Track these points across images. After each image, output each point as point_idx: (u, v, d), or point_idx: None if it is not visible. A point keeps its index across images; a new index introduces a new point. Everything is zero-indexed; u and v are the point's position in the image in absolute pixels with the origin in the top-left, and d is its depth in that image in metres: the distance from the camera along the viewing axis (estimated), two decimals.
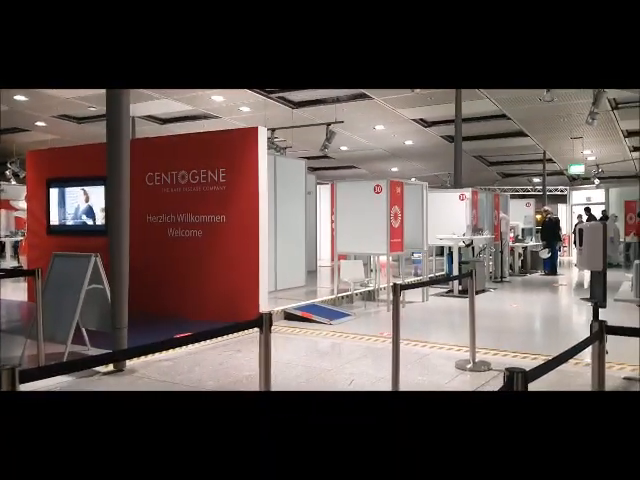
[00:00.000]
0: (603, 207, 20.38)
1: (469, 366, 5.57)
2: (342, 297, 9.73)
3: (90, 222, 9.19)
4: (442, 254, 14.27)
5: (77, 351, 5.99)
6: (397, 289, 4.58)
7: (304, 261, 11.25)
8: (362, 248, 9.77)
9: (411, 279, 11.93)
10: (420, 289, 10.31)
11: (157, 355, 5.91)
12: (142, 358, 5.70)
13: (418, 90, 11.57)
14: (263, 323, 3.08)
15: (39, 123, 18.48)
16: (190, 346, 6.21)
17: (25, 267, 13.12)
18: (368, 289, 10.47)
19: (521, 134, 18.87)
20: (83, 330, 6.12)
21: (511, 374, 1.94)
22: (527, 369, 2.03)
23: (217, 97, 15.73)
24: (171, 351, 5.84)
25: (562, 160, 22.69)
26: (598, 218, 17.48)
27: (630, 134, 18.51)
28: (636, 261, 4.95)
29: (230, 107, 16.69)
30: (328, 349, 6.74)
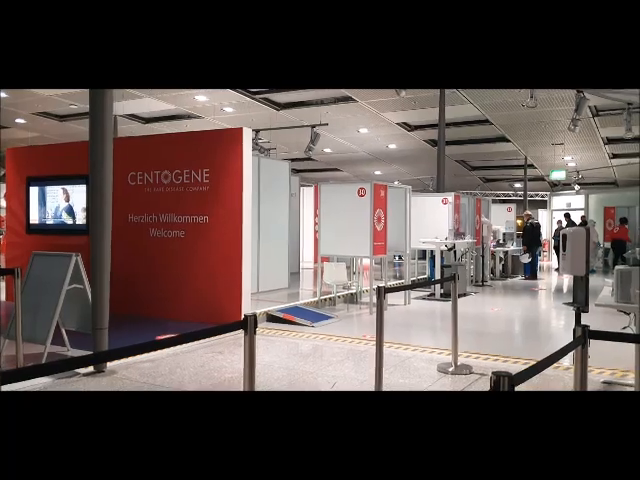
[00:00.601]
0: (583, 213, 20.64)
1: (451, 369, 5.58)
2: (325, 299, 9.73)
3: (70, 221, 9.08)
4: (424, 257, 14.35)
5: (56, 352, 5.91)
6: (381, 292, 4.58)
7: (287, 263, 11.24)
8: (345, 251, 9.77)
9: (393, 282, 11.97)
10: (402, 292, 10.34)
11: (138, 356, 5.85)
12: (123, 359, 5.64)
13: (404, 93, 11.59)
14: (248, 325, 3.06)
15: (19, 120, 18.26)
16: (172, 347, 6.15)
17: (3, 266, 12.92)
18: (351, 292, 10.48)
19: (503, 139, 19.05)
20: (63, 330, 6.05)
21: (498, 378, 1.94)
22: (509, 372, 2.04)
23: (201, 97, 15.67)
24: (152, 352, 5.79)
25: (543, 166, 22.95)
26: (577, 224, 17.69)
27: (610, 141, 18.77)
28: (616, 267, 5.01)
29: (214, 107, 16.63)
30: (310, 351, 6.72)
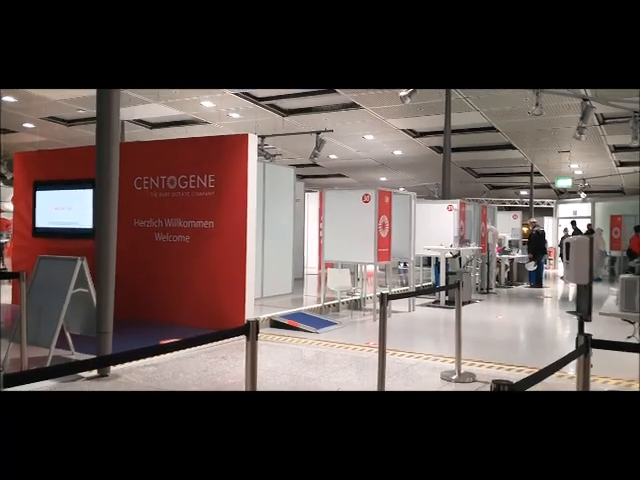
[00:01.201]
0: (589, 221, 20.57)
1: (454, 377, 5.57)
2: (328, 306, 9.72)
3: (76, 225, 9.12)
4: (429, 264, 14.33)
5: (61, 355, 5.93)
6: (385, 299, 4.58)
7: (291, 268, 11.25)
8: (349, 257, 9.77)
9: (397, 289, 11.95)
10: (406, 299, 10.33)
11: (141, 360, 5.86)
12: (126, 363, 5.66)
13: (409, 100, 11.60)
14: (250, 331, 3.07)
15: (27, 124, 18.37)
16: (175, 352, 6.16)
17: (10, 269, 12.99)
18: (354, 298, 10.47)
19: (509, 147, 19.03)
20: (67, 334, 6.06)
21: (497, 386, 1.94)
22: (512, 381, 2.04)
23: (207, 103, 15.71)
24: (155, 356, 5.80)
25: (549, 173, 22.91)
26: (584, 232, 17.63)
27: (617, 149, 18.71)
28: (621, 275, 4.99)
29: (220, 113, 16.68)
30: (313, 358, 6.72)
